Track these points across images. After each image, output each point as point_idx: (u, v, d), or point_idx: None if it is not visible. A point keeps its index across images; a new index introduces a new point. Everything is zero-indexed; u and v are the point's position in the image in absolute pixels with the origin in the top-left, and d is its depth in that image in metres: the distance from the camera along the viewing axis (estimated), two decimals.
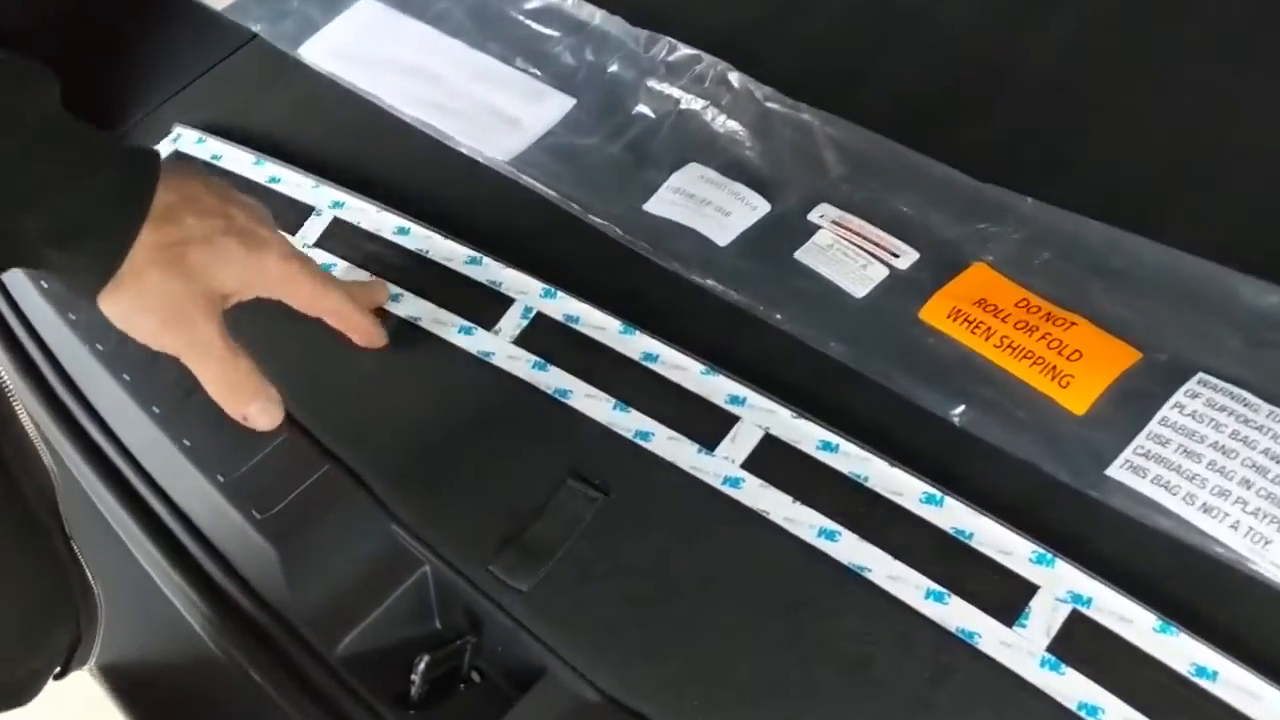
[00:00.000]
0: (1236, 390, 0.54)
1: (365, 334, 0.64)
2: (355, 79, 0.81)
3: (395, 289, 0.67)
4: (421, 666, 0.56)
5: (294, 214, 0.72)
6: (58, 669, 0.64)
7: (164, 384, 0.67)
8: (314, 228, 0.72)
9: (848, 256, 0.64)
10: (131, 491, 0.66)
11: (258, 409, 0.59)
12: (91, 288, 0.53)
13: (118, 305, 0.54)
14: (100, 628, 0.63)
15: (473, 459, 0.60)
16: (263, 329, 0.67)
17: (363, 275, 0.69)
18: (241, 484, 0.62)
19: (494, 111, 0.76)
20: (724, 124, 0.72)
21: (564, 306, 0.64)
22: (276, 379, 0.64)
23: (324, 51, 0.84)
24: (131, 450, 0.68)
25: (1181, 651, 0.48)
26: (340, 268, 0.70)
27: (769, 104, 0.71)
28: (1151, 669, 0.48)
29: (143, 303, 0.54)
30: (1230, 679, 0.47)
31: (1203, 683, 0.47)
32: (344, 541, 0.60)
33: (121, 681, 0.69)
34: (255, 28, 0.87)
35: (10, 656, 0.60)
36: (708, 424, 0.59)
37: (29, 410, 0.65)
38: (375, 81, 0.80)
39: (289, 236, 0.64)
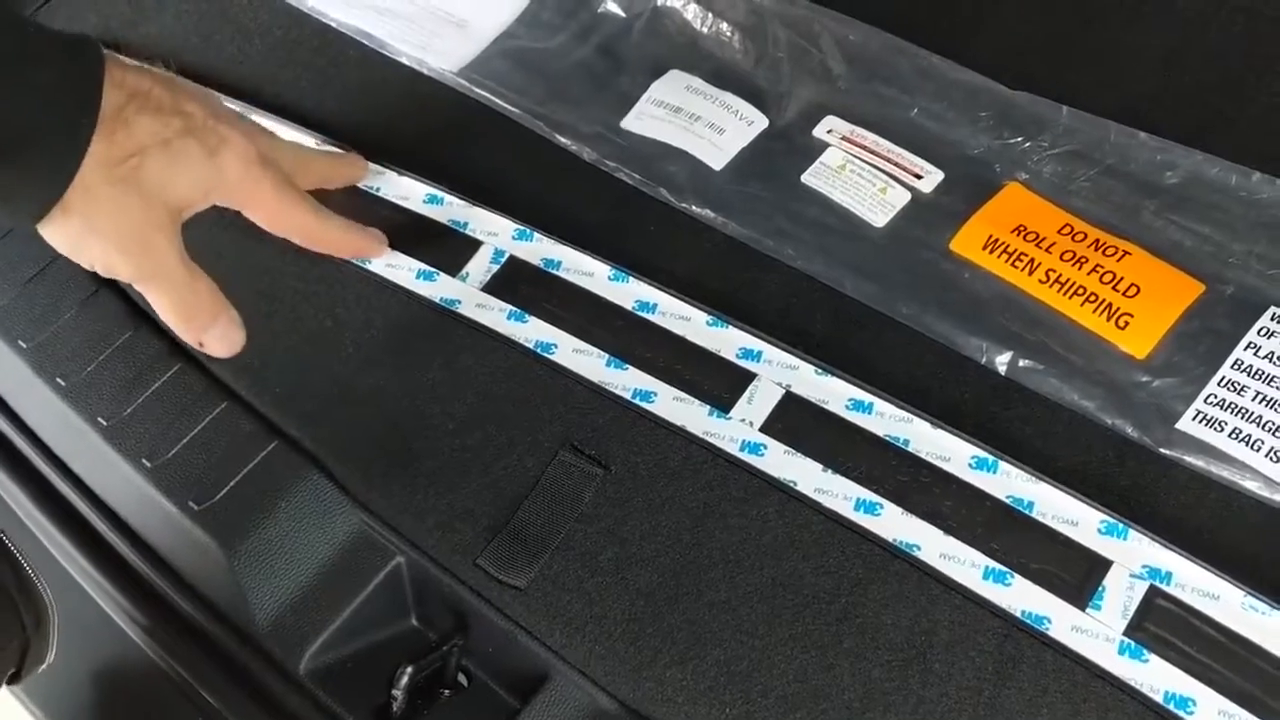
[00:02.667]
0: None
1: (349, 246, 0.58)
2: None
3: None
4: (404, 680, 0.50)
5: None
6: (11, 672, 0.57)
7: (69, 350, 0.59)
8: None
9: (863, 178, 0.58)
10: (40, 481, 0.59)
11: (218, 333, 0.52)
12: (32, 212, 0.46)
13: (64, 230, 0.47)
14: (53, 624, 0.56)
15: (446, 429, 0.54)
16: None
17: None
18: (173, 469, 0.55)
19: (437, 12, 0.68)
20: (708, 22, 0.65)
21: (541, 250, 0.57)
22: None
23: None
24: (37, 431, 0.60)
25: (1274, 631, 0.44)
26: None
27: None
28: (1245, 651, 0.44)
29: (93, 225, 0.47)
30: None
31: None
32: (301, 533, 0.53)
33: (54, 703, 0.63)
34: None
35: None
36: (719, 382, 0.53)
37: None
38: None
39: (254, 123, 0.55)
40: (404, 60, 0.66)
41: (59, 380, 0.59)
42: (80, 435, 0.57)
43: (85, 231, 0.47)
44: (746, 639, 0.48)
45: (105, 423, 0.57)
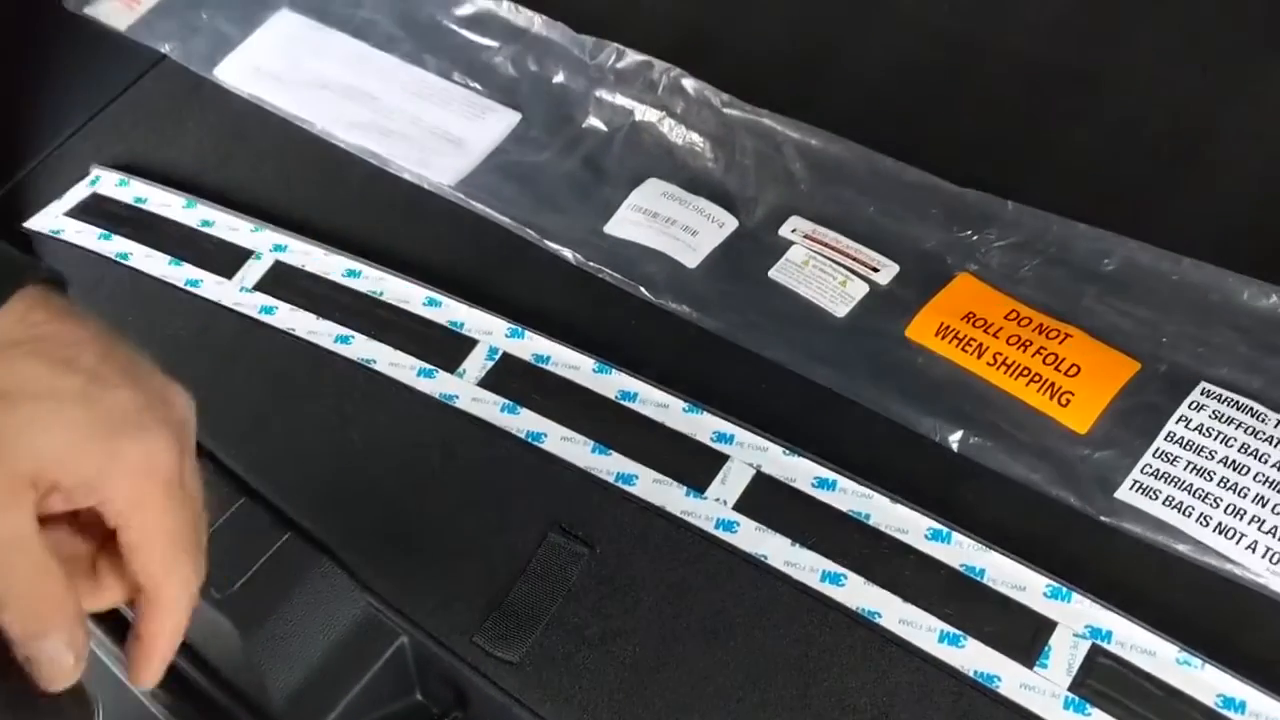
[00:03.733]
0: (1243, 400, 0.55)
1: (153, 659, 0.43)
2: (280, 101, 0.79)
3: (346, 331, 0.66)
4: None
5: (230, 258, 0.70)
6: None
7: None
8: (253, 272, 0.69)
9: (825, 273, 0.63)
10: None
11: (56, 646, 0.39)
12: None
13: None
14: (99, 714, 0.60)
15: (444, 516, 0.59)
16: (204, 378, 0.65)
17: (309, 319, 0.66)
18: None
19: (435, 131, 0.74)
20: (682, 134, 0.71)
21: (532, 346, 0.63)
22: (218, 438, 0.62)
23: (242, 71, 0.81)
24: None
25: (1207, 683, 0.48)
26: (282, 310, 0.68)
27: (728, 110, 0.70)
28: (1179, 703, 0.48)
29: None
30: (1259, 709, 0.47)
31: (1231, 714, 0.47)
32: (313, 617, 0.58)
33: None
34: (164, 48, 0.84)
35: None
36: (695, 464, 0.58)
37: None
38: (302, 104, 0.78)
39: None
40: (405, 176, 0.73)
41: None
42: None
43: None
44: (723, 704, 0.52)
45: None
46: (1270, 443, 0.53)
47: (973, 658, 0.50)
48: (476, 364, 0.63)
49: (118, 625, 0.62)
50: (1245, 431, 0.54)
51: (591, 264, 0.66)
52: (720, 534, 0.55)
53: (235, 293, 0.68)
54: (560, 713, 0.53)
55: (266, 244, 0.70)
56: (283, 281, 0.68)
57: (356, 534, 0.60)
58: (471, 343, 0.64)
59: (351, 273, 0.68)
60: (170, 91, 0.81)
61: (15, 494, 0.37)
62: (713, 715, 0.52)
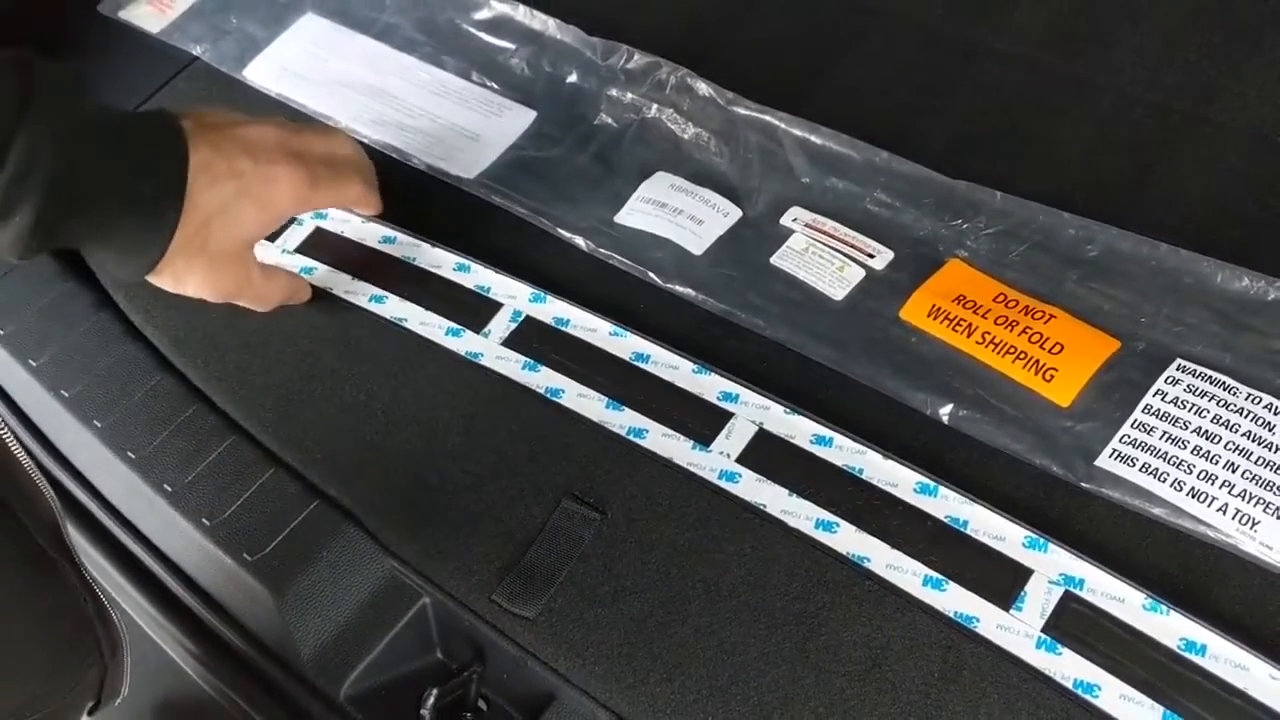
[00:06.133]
0: (1215, 375, 0.59)
1: (376, 208, 0.72)
2: (306, 100, 0.83)
3: (380, 291, 0.71)
4: (430, 701, 0.59)
5: None
6: (91, 704, 0.66)
7: (138, 427, 0.69)
8: (295, 236, 0.75)
9: (823, 259, 0.68)
10: (114, 541, 0.68)
11: (296, 299, 0.71)
12: (135, 276, 0.62)
13: (162, 281, 0.63)
14: (127, 655, 0.65)
15: (465, 482, 0.64)
16: (236, 363, 0.70)
17: (345, 279, 0.73)
18: (229, 526, 0.65)
19: (454, 128, 0.79)
20: (689, 130, 0.75)
21: (553, 310, 0.68)
22: (252, 416, 0.67)
23: (270, 72, 0.86)
24: (110, 499, 0.70)
25: (1171, 629, 0.52)
26: (320, 271, 0.73)
27: (733, 108, 0.75)
28: (1143, 645, 0.52)
29: (181, 280, 0.63)
30: (1219, 653, 0.51)
31: (1192, 657, 0.51)
32: (339, 579, 0.63)
33: None
34: (195, 50, 0.89)
35: (41, 694, 0.62)
36: (702, 421, 0.62)
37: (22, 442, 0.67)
38: (327, 101, 0.83)
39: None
40: (425, 170, 0.77)
41: (129, 454, 0.69)
42: (148, 501, 0.67)
43: (177, 283, 0.63)
44: (726, 658, 0.56)
45: (170, 489, 0.67)
46: (1240, 414, 0.57)
47: (954, 600, 0.54)
48: (501, 325, 0.68)
49: (157, 587, 0.67)
50: (1217, 404, 0.58)
51: (603, 251, 0.71)
52: (723, 484, 0.60)
53: (277, 255, 0.74)
54: (573, 665, 0.58)
55: (307, 211, 0.75)
56: (322, 245, 0.74)
57: (381, 500, 0.64)
58: (497, 305, 0.69)
59: (387, 239, 0.74)
60: (202, 92, 0.86)
61: (234, 262, 0.65)
62: (716, 667, 0.56)
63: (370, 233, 0.75)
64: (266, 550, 0.63)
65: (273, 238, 0.75)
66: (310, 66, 0.86)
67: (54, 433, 0.73)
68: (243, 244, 0.65)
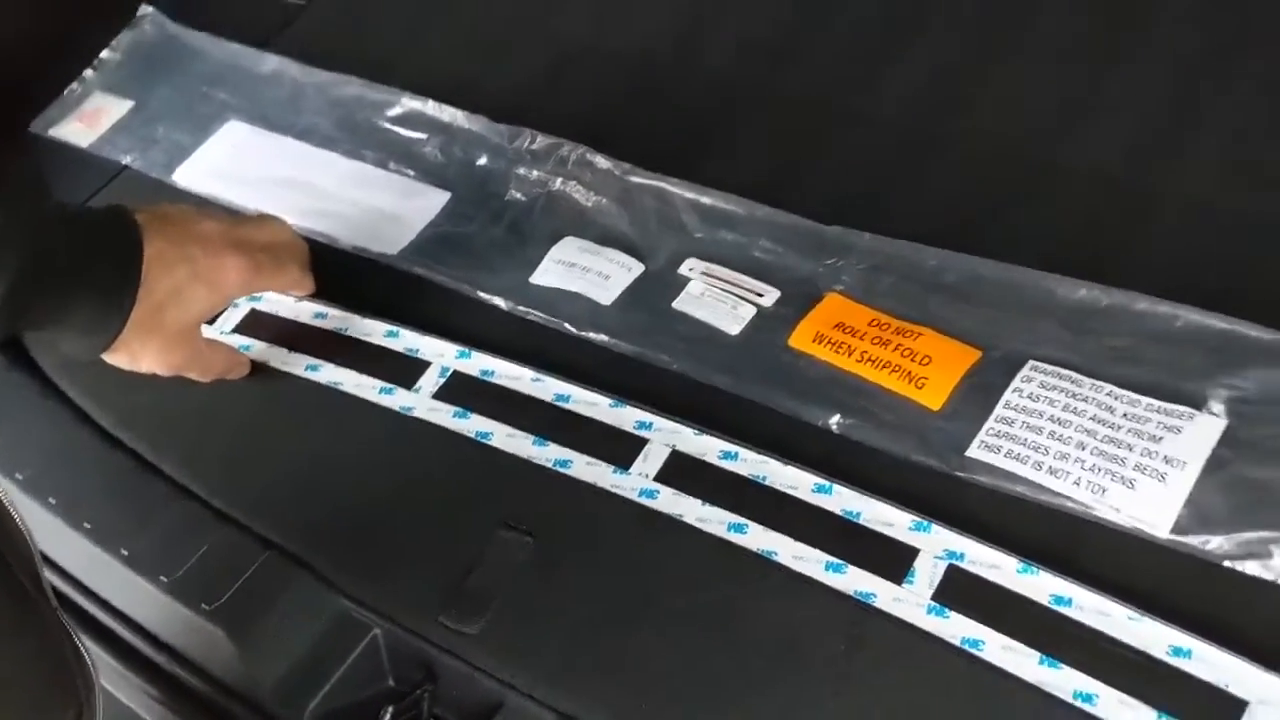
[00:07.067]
0: (1063, 371, 0.68)
1: (310, 289, 0.80)
2: (234, 197, 0.90)
3: (315, 360, 0.78)
4: (386, 717, 0.64)
5: None
6: None
7: (91, 500, 0.74)
8: (231, 318, 0.82)
9: (719, 301, 0.76)
10: (76, 608, 0.72)
11: (235, 375, 0.77)
12: (91, 355, 0.69)
13: (117, 359, 0.70)
14: (99, 698, 0.68)
15: (407, 518, 0.70)
16: (183, 434, 0.76)
17: (282, 352, 0.79)
18: (186, 581, 0.69)
19: (376, 211, 0.87)
20: (592, 199, 0.84)
21: (479, 364, 0.75)
22: (200, 479, 0.73)
23: (198, 174, 0.93)
24: (70, 571, 0.74)
25: (1043, 587, 0.60)
26: (258, 348, 0.79)
27: (630, 177, 0.84)
28: (1018, 603, 0.60)
29: (136, 357, 0.70)
30: (1084, 603, 0.59)
31: (1061, 609, 0.59)
32: (294, 619, 0.68)
33: None
34: (125, 159, 0.96)
35: None
36: (621, 448, 0.70)
37: None
38: (255, 197, 0.90)
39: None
40: (351, 250, 0.85)
41: (85, 525, 0.73)
42: (106, 566, 0.72)
43: (133, 359, 0.70)
44: (656, 653, 0.63)
45: (127, 553, 0.71)
46: (1086, 401, 0.66)
47: (853, 581, 0.62)
48: (431, 381, 0.75)
49: (119, 644, 0.71)
50: (1066, 395, 0.67)
51: (521, 308, 0.79)
52: (644, 500, 0.67)
53: (216, 335, 0.80)
54: (517, 674, 0.63)
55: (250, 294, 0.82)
56: (258, 324, 0.81)
57: (329, 546, 0.70)
58: (425, 364, 0.76)
59: (319, 314, 0.80)
60: (133, 196, 0.93)
61: (185, 340, 0.72)
62: (649, 662, 0.62)
63: (303, 310, 0.81)
64: (223, 600, 0.68)
65: (211, 321, 0.81)
66: (236, 167, 0.93)
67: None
68: (193, 324, 0.72)
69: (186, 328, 0.71)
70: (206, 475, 0.74)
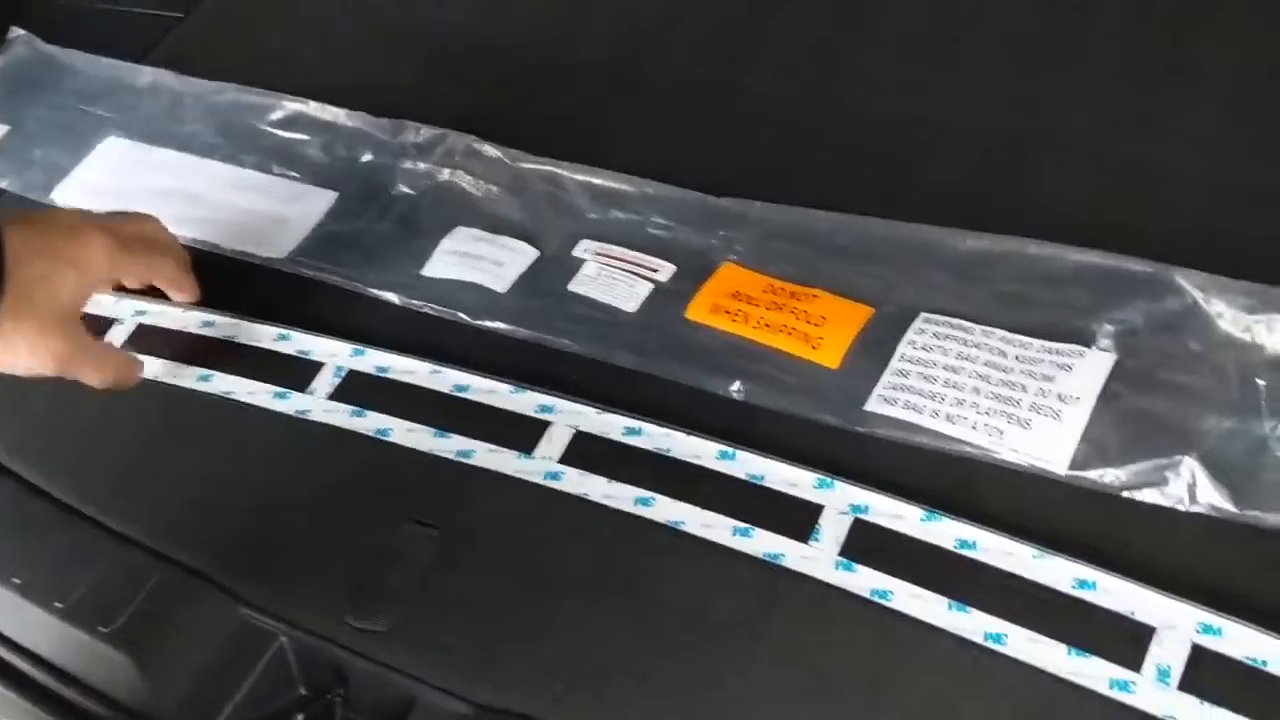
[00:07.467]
0: (954, 320, 0.69)
1: (191, 292, 0.79)
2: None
3: (206, 370, 0.75)
4: None
5: (95, 327, 0.78)
6: None
7: None
8: (118, 334, 0.79)
9: (615, 280, 0.76)
10: None
11: (121, 378, 0.73)
12: None
13: None
14: None
15: (308, 522, 0.68)
16: (72, 454, 0.73)
17: (171, 365, 0.77)
18: (81, 605, 0.67)
19: (261, 215, 0.85)
20: (481, 188, 0.83)
21: (373, 360, 0.74)
22: (90, 500, 0.71)
23: (78, 192, 0.91)
24: None
25: (946, 532, 0.60)
26: (146, 361, 0.77)
27: (519, 164, 0.83)
28: (924, 551, 0.60)
29: (10, 347, 0.67)
30: (987, 545, 0.59)
31: (966, 553, 0.59)
32: (196, 634, 0.66)
33: None
34: (1, 184, 0.93)
35: None
36: (523, 433, 0.69)
37: None
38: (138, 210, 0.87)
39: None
40: (237, 257, 0.83)
41: None
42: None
43: (8, 348, 0.66)
44: (569, 631, 0.62)
45: (19, 582, 0.69)
46: (978, 348, 0.67)
47: (761, 543, 0.61)
48: (325, 382, 0.73)
49: (13, 673, 0.69)
50: (958, 343, 0.67)
51: (414, 302, 0.77)
52: (549, 483, 0.66)
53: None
54: (429, 667, 0.62)
55: (128, 310, 0.80)
56: (146, 339, 0.78)
57: (228, 556, 0.68)
58: (319, 365, 0.74)
59: (207, 323, 0.78)
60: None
61: (62, 331, 0.68)
62: (562, 641, 0.61)
63: (190, 320, 0.79)
64: (121, 621, 0.66)
65: (98, 337, 0.79)
66: (117, 182, 0.91)
67: None
68: (67, 309, 0.69)
69: (60, 314, 0.68)
70: (98, 496, 0.72)
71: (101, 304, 0.80)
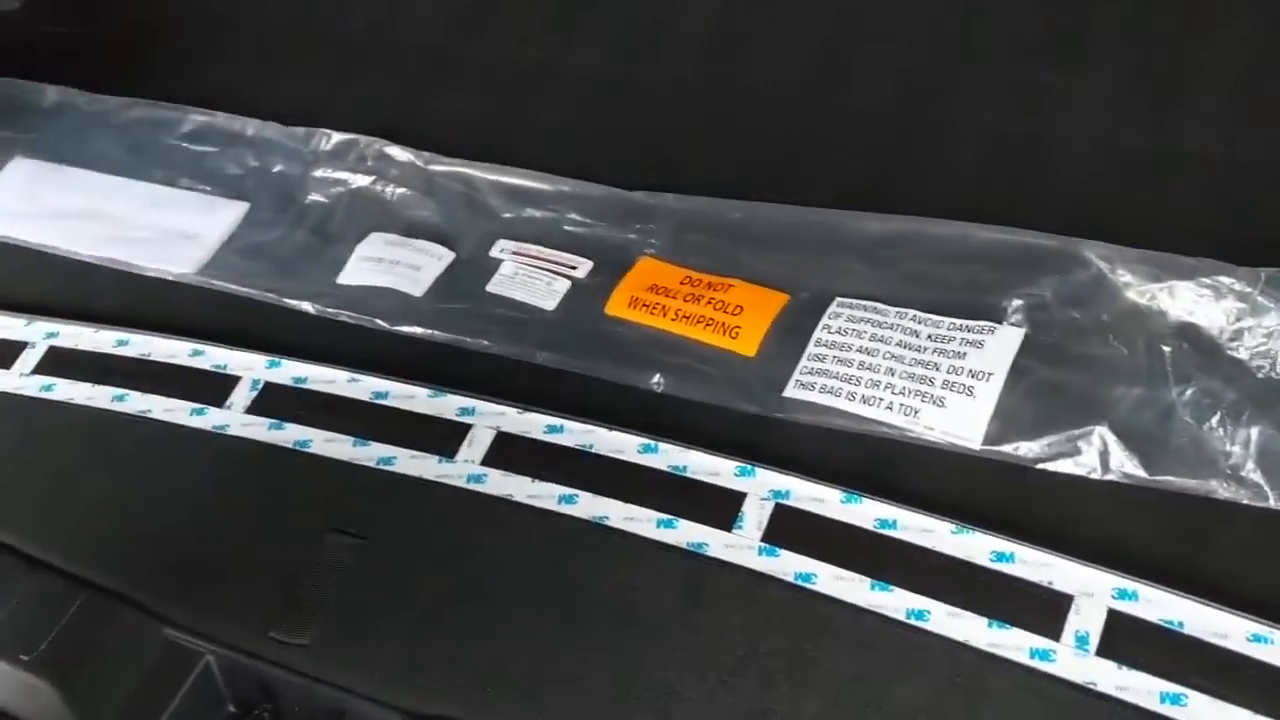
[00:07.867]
0: (867, 303, 0.69)
1: None
2: (24, 235, 0.87)
3: (122, 390, 0.74)
4: None
5: (6, 352, 0.77)
6: None
7: None
8: (30, 358, 0.78)
9: (533, 278, 0.76)
10: None
11: None
12: None
13: None
14: None
15: (230, 538, 0.67)
16: None
17: (85, 387, 0.75)
18: (1, 634, 0.65)
19: (171, 231, 0.84)
20: (395, 193, 0.82)
21: (290, 371, 0.73)
22: (8, 528, 0.70)
23: None
24: None
25: (866, 513, 0.61)
26: (61, 386, 0.76)
27: (431, 166, 0.82)
28: (846, 532, 0.60)
29: None
30: (906, 523, 0.60)
31: (887, 532, 0.60)
32: (119, 657, 0.65)
33: None
34: None
35: None
36: (444, 436, 0.68)
37: None
38: (45, 231, 0.86)
39: None
40: (150, 272, 0.81)
41: None
42: None
43: None
44: (498, 636, 0.62)
45: None
46: (891, 329, 0.68)
47: (685, 534, 0.62)
48: (243, 395, 0.73)
49: None
50: (872, 325, 0.68)
51: (330, 310, 0.77)
52: (472, 486, 0.66)
53: (17, 379, 0.76)
54: (357, 678, 0.62)
55: (40, 333, 0.78)
56: (59, 362, 0.77)
57: (149, 577, 0.67)
58: (235, 379, 0.74)
59: (121, 342, 0.77)
60: None
61: None
62: (491, 646, 0.61)
63: (103, 340, 0.78)
64: (42, 647, 0.65)
65: (8, 365, 0.77)
66: (25, 204, 0.89)
67: None
68: None
69: None
70: (15, 523, 0.71)
71: (12, 328, 0.79)
